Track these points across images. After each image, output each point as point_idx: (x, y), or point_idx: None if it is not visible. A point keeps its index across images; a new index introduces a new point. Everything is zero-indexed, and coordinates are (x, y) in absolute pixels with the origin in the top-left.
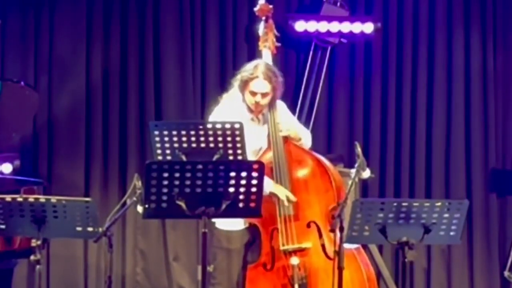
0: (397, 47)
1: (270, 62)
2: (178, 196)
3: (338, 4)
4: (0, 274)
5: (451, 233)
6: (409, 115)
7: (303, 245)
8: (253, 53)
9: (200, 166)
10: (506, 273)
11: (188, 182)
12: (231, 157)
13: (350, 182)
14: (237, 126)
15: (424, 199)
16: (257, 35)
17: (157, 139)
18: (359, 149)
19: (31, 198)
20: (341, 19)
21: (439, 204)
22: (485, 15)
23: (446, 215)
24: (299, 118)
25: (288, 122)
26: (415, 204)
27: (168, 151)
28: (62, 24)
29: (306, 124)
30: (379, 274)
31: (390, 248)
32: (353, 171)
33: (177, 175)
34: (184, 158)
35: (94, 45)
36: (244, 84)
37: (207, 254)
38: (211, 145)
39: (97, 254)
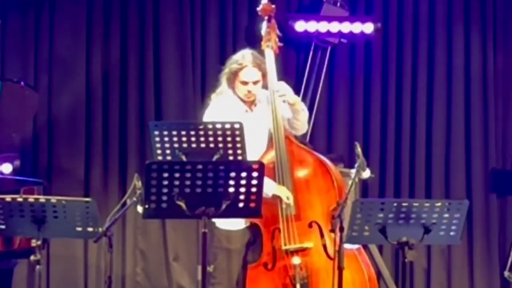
0: (397, 47)
1: (273, 62)
2: (178, 196)
3: (338, 4)
4: (0, 274)
5: (451, 233)
6: (409, 115)
7: (305, 245)
8: None
9: (200, 166)
10: (506, 273)
11: (188, 182)
12: (231, 157)
13: (350, 182)
14: (237, 126)
15: (424, 199)
16: (260, 35)
17: (157, 139)
18: (359, 149)
19: (31, 198)
20: (341, 19)
21: (439, 204)
22: (485, 15)
23: (446, 215)
24: None
25: (288, 89)
26: (415, 204)
27: (168, 151)
28: (62, 24)
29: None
30: (379, 274)
31: (390, 248)
32: (353, 171)
33: (177, 175)
34: (184, 158)
35: (94, 45)
36: (234, 75)
37: (207, 254)
38: (211, 145)
39: (97, 254)
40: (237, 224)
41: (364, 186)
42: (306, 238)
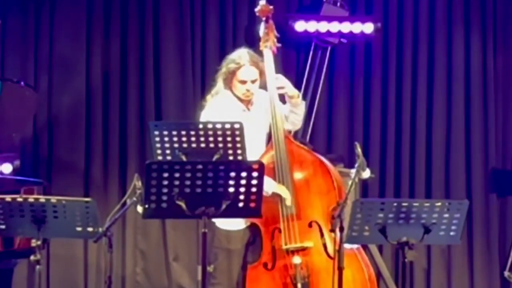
0: (397, 47)
1: (272, 62)
2: (178, 196)
3: (338, 4)
4: (0, 274)
5: (451, 233)
6: (409, 115)
7: (305, 244)
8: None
9: (200, 166)
10: (506, 273)
11: (188, 182)
12: (231, 157)
13: (350, 182)
14: (237, 126)
15: (424, 199)
16: (258, 36)
17: (157, 139)
18: (359, 149)
19: (31, 198)
20: (341, 19)
21: (439, 204)
22: (485, 15)
23: (446, 215)
24: None
25: (286, 82)
26: (415, 204)
27: (168, 151)
28: (62, 24)
29: (306, 124)
30: (379, 274)
31: (390, 248)
32: (353, 171)
33: (177, 175)
34: (184, 158)
35: (94, 45)
36: (232, 74)
37: (207, 254)
38: (211, 145)
39: (97, 254)
40: (237, 224)
41: (364, 186)
42: (306, 237)
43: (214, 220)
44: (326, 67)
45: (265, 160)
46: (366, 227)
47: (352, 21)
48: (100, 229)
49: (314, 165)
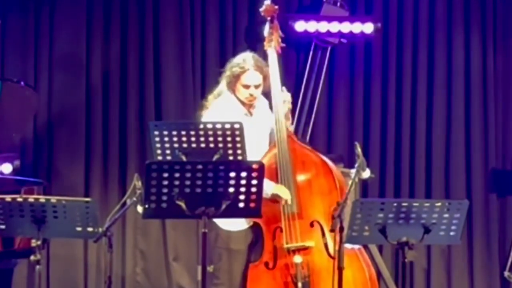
0: (397, 47)
1: (276, 62)
2: (178, 196)
3: (338, 4)
4: (0, 274)
5: (451, 233)
6: (409, 115)
7: (306, 244)
8: None
9: (200, 166)
10: (506, 273)
11: (188, 182)
12: (231, 157)
13: (350, 182)
14: (237, 126)
15: (424, 199)
16: (262, 36)
17: (157, 139)
18: (359, 149)
19: (31, 198)
20: (341, 19)
21: (439, 204)
22: (485, 15)
23: (446, 215)
24: (299, 118)
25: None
26: (415, 204)
27: (168, 151)
28: (62, 24)
29: (306, 124)
30: (379, 274)
31: (390, 248)
32: (353, 171)
33: (177, 175)
34: (184, 158)
35: (94, 45)
36: (236, 78)
37: (207, 254)
38: (211, 145)
39: (97, 254)
40: (240, 224)
41: (364, 186)
42: (307, 237)
43: (216, 221)
44: (326, 67)
45: (267, 159)
46: (366, 227)
47: (352, 21)
48: (100, 229)
49: (317, 164)
